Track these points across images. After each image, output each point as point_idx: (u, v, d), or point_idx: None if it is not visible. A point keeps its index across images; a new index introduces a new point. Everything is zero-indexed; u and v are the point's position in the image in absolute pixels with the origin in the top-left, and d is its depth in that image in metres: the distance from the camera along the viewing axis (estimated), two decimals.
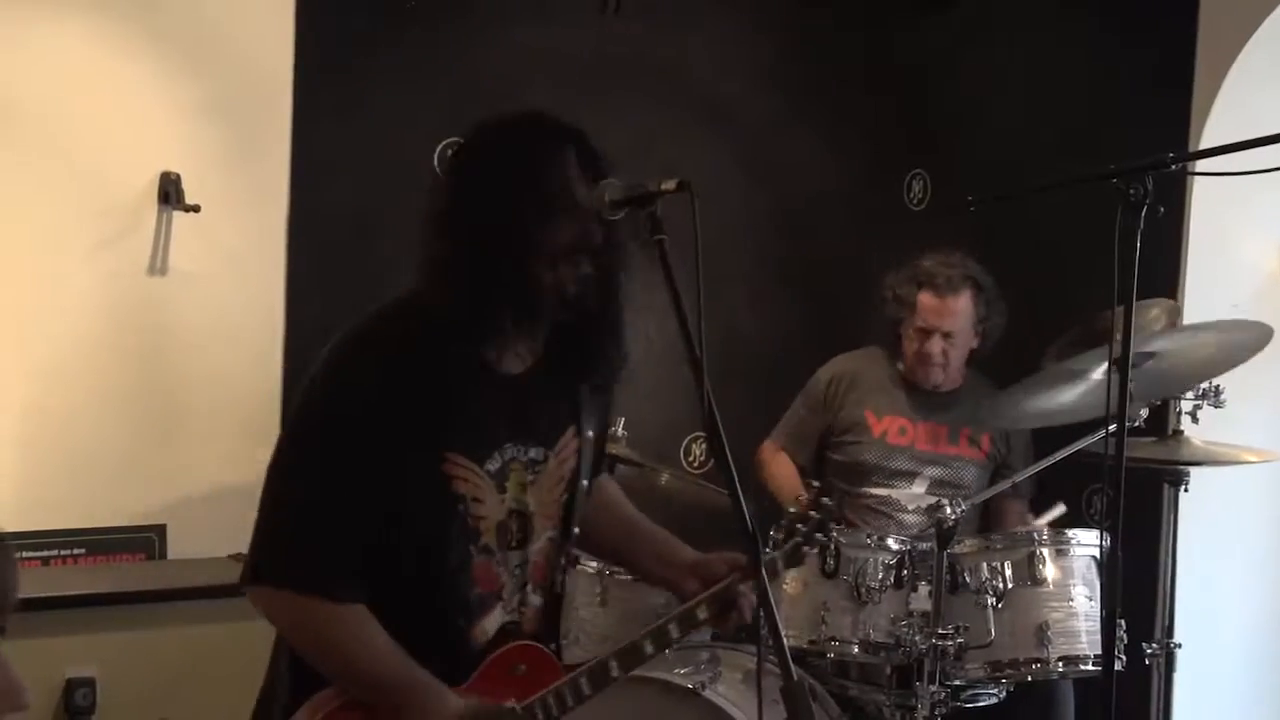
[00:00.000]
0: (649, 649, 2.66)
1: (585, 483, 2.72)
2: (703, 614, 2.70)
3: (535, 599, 2.66)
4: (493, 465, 2.54)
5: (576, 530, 2.72)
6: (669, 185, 2.34)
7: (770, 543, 2.95)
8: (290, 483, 2.47)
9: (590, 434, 2.71)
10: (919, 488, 4.43)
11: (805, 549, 2.93)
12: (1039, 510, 4.29)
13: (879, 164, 5.50)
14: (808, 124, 5.42)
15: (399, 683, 2.44)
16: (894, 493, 4.44)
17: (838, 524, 2.97)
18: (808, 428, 4.62)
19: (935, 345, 4.40)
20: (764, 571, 2.23)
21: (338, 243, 4.47)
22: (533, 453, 2.60)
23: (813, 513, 2.93)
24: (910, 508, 4.42)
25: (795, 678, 2.19)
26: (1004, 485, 4.04)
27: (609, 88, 4.91)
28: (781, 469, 4.61)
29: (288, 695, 2.54)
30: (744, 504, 2.23)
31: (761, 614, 2.25)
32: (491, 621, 2.58)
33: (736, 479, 2.26)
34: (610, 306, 2.58)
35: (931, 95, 5.37)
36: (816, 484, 3.04)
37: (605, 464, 2.92)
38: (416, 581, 2.49)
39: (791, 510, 2.97)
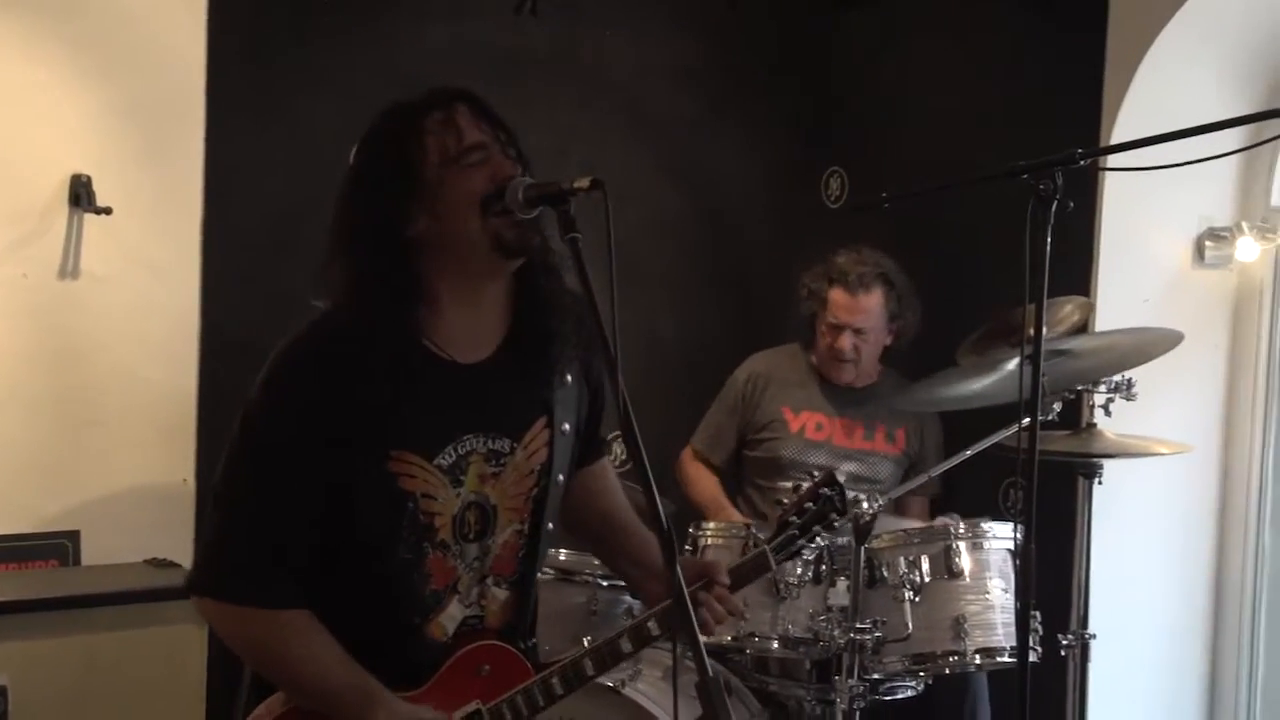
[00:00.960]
0: (626, 647, 2.62)
1: (561, 478, 2.66)
2: (654, 629, 2.62)
3: (500, 592, 2.62)
4: (445, 460, 2.50)
5: (550, 526, 2.67)
6: (582, 184, 2.34)
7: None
8: (226, 495, 2.46)
9: (567, 427, 2.65)
10: None
11: (801, 542, 2.85)
12: (937, 514, 4.34)
13: (798, 162, 5.53)
14: (727, 123, 5.43)
15: (344, 690, 2.42)
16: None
17: (840, 515, 2.89)
18: (725, 431, 4.66)
19: (846, 341, 4.44)
20: (678, 568, 2.23)
21: (254, 244, 4.44)
22: (496, 444, 2.55)
23: (810, 504, 2.87)
24: None
25: (710, 674, 2.19)
26: (918, 480, 4.07)
27: (527, 87, 4.90)
28: (701, 480, 4.65)
29: (253, 698, 2.53)
30: (658, 502, 2.23)
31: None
32: (449, 617, 2.55)
33: (651, 477, 2.26)
34: (554, 281, 2.54)
35: (849, 94, 5.40)
36: (816, 473, 2.98)
37: (594, 457, 2.82)
38: (367, 581, 2.47)
39: (784, 501, 2.91)
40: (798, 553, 2.88)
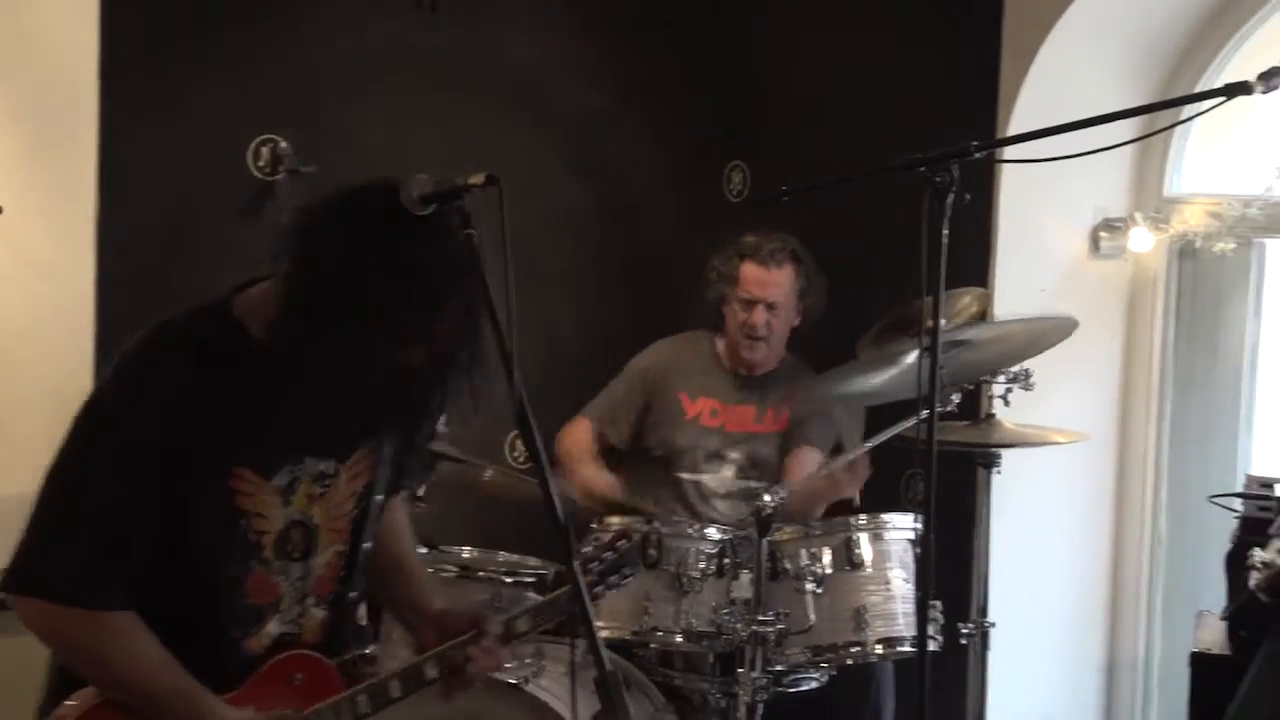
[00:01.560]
0: (395, 691, 2.57)
1: (379, 498, 2.64)
2: (431, 672, 2.60)
3: (317, 612, 2.59)
4: (281, 480, 2.47)
5: (368, 545, 2.65)
6: (477, 179, 2.33)
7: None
8: (61, 487, 2.39)
9: (390, 450, 2.62)
10: (728, 471, 4.47)
11: (597, 590, 2.90)
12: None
13: (700, 156, 5.53)
14: (629, 117, 5.42)
15: (169, 692, 2.38)
16: (704, 477, 4.48)
17: (632, 568, 2.96)
18: (622, 409, 4.60)
19: (759, 316, 4.43)
20: (575, 571, 2.23)
21: (149, 243, 4.37)
22: (323, 465, 2.52)
23: (608, 554, 2.93)
24: (721, 492, 4.47)
25: (608, 669, 2.20)
26: (844, 459, 4.08)
27: (426, 83, 4.86)
28: (574, 437, 4.57)
29: (57, 692, 2.45)
30: (555, 498, 2.23)
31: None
32: (268, 633, 2.52)
33: (549, 472, 2.26)
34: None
35: (753, 88, 5.41)
36: (617, 525, 3.01)
37: (407, 481, 2.81)
38: (192, 591, 2.43)
39: (588, 550, 2.96)
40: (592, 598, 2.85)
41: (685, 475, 4.49)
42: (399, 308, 2.32)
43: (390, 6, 4.87)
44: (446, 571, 3.94)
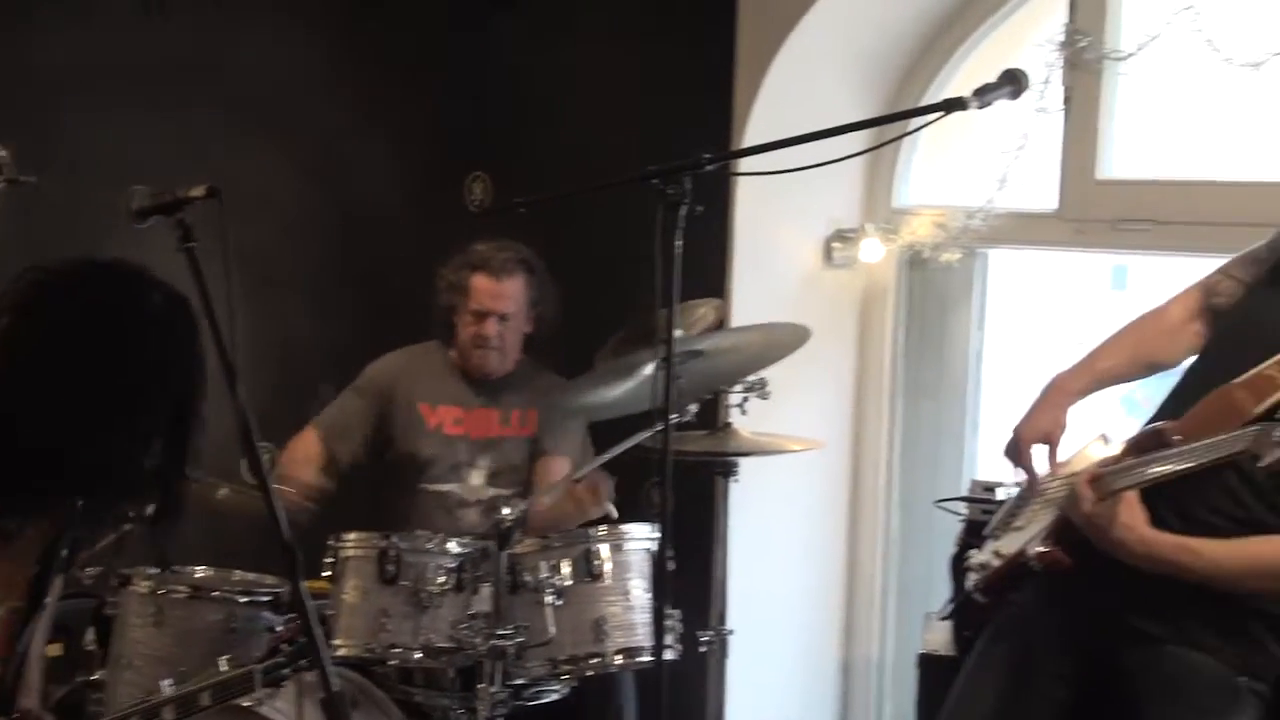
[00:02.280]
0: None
1: (65, 552, 2.51)
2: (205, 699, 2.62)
3: None
4: None
5: (49, 600, 2.51)
6: (198, 192, 2.30)
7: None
8: None
9: (81, 502, 2.48)
10: (477, 479, 4.45)
11: (285, 672, 2.84)
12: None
13: (440, 166, 5.49)
14: (369, 126, 5.37)
15: None
16: (453, 486, 4.44)
17: (306, 660, 2.82)
18: (352, 418, 4.52)
19: (491, 328, 4.42)
20: (300, 589, 2.20)
21: None
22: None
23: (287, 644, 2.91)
24: (471, 500, 4.44)
25: (335, 689, 2.17)
26: (586, 470, 4.08)
27: (155, 92, 4.75)
28: (299, 447, 4.49)
29: None
30: (280, 515, 2.20)
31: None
32: None
33: (273, 489, 2.22)
34: None
35: (491, 97, 5.39)
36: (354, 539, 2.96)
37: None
38: None
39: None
40: (280, 681, 2.86)
41: (434, 486, 4.44)
42: (110, 398, 2.28)
43: (117, 12, 4.75)
44: (178, 592, 3.84)
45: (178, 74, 4.85)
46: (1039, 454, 3.18)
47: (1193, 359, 3.14)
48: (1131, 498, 2.83)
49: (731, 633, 4.01)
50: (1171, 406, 2.99)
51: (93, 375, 2.25)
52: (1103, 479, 2.91)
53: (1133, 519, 2.82)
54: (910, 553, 4.85)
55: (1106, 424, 3.25)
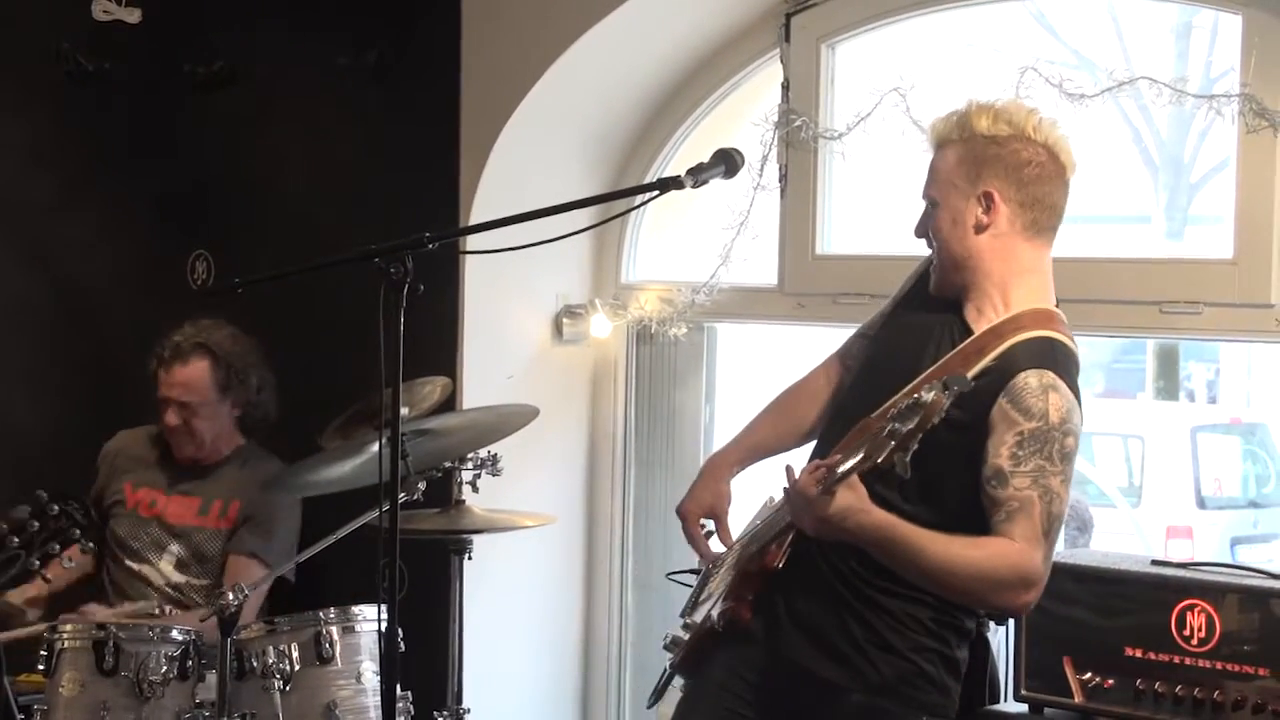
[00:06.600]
0: None
1: None
2: None
3: None
4: None
5: None
6: None
7: None
8: None
9: None
10: (166, 563, 4.45)
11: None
12: None
13: (162, 245, 5.39)
14: (85, 205, 5.25)
15: None
16: (145, 568, 4.45)
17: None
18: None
19: (172, 417, 4.44)
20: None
21: None
22: None
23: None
24: (160, 584, 4.42)
25: None
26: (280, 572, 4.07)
27: None
28: None
29: None
30: None
31: None
32: None
33: None
34: None
35: (214, 177, 5.31)
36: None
37: None
38: None
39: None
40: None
41: (132, 565, 4.46)
42: None
43: None
44: None
45: None
46: (708, 528, 3.31)
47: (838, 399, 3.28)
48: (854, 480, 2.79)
49: (468, 711, 3.99)
50: (820, 449, 3.14)
51: None
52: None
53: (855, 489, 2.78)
54: (644, 626, 4.87)
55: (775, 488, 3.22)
